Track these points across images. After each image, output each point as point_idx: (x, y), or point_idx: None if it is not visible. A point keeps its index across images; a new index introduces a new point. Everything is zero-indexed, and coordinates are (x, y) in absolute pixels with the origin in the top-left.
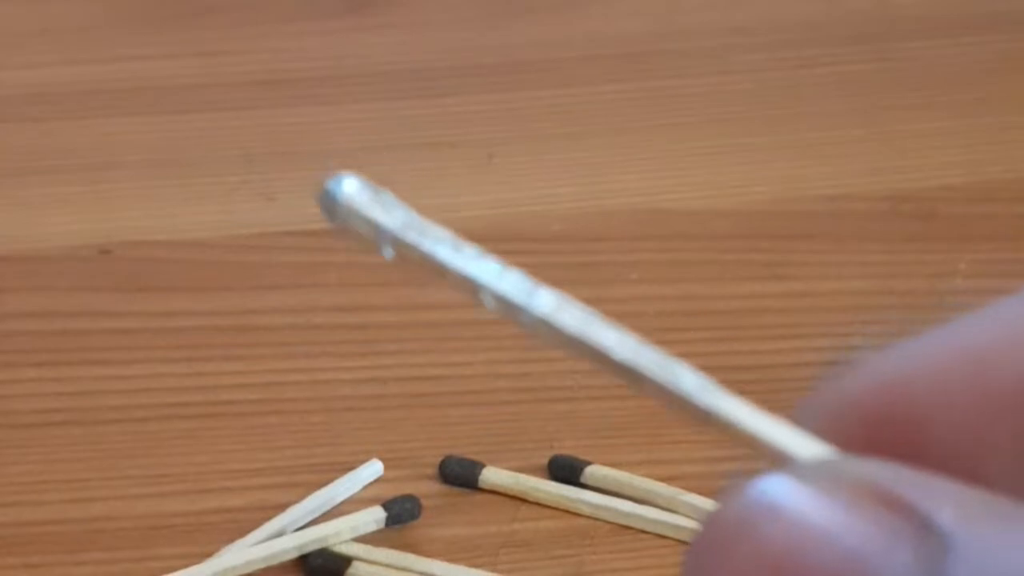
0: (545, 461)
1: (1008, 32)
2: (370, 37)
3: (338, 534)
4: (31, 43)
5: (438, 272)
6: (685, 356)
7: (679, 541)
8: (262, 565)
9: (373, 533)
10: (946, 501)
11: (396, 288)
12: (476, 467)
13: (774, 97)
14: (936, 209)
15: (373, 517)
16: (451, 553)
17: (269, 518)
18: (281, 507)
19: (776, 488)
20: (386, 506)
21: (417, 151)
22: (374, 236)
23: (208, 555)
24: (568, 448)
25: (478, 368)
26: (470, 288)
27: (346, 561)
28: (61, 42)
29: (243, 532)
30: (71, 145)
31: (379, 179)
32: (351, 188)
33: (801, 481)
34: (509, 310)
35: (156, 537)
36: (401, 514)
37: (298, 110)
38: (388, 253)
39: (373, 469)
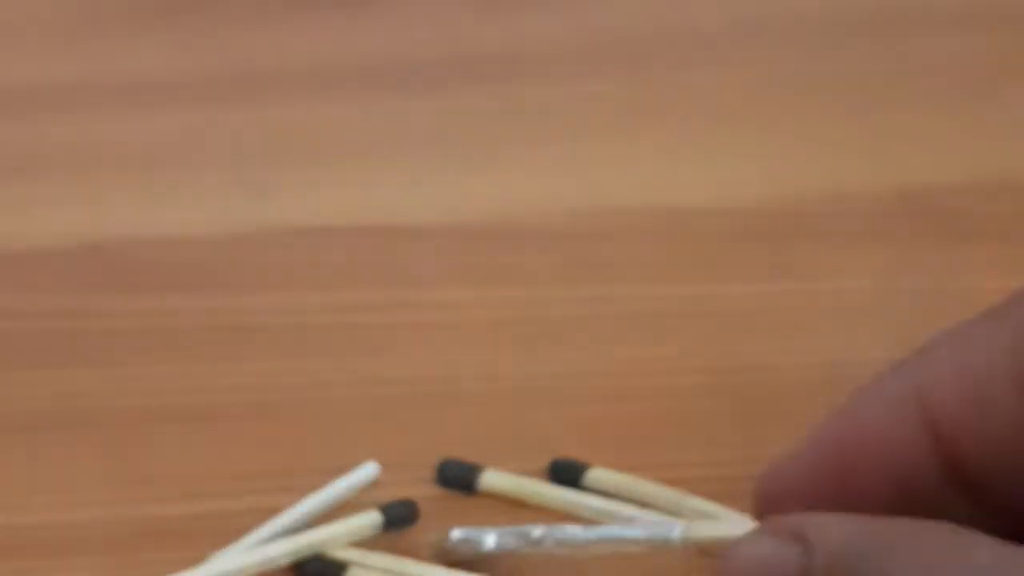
0: (546, 464)
1: (1015, 28)
2: (366, 33)
3: (333, 539)
4: (18, 39)
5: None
6: (685, 356)
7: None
8: (256, 571)
9: (369, 538)
10: (814, 523)
11: (395, 288)
12: (475, 470)
13: (775, 95)
14: (940, 207)
15: (370, 521)
16: None
17: (263, 521)
18: (276, 510)
19: (742, 545)
20: (383, 510)
21: (415, 149)
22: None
23: (201, 559)
24: (569, 451)
25: (478, 369)
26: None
27: (342, 567)
28: (50, 39)
29: (237, 536)
30: (61, 142)
31: (378, 177)
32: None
33: (755, 537)
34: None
35: (148, 541)
36: (398, 518)
37: (293, 106)
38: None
39: (369, 472)
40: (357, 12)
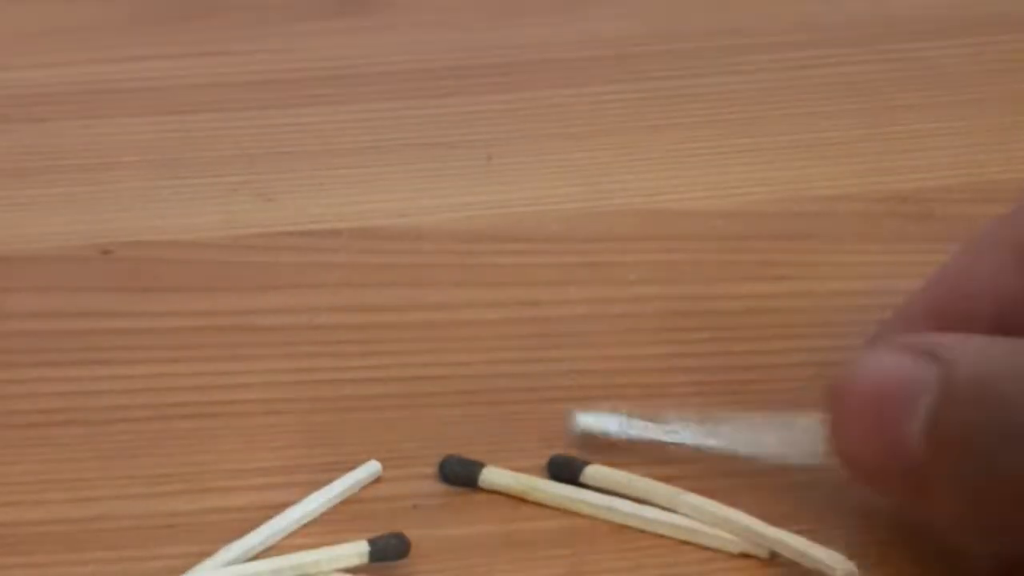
0: (545, 461)
1: (1008, 33)
2: (370, 37)
3: (317, 563)
4: (31, 43)
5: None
6: (685, 356)
7: (679, 541)
8: None
9: (357, 567)
10: (948, 343)
11: (396, 288)
12: (476, 467)
13: (774, 98)
14: (935, 209)
15: (356, 551)
16: (449, 552)
17: (269, 517)
18: (281, 506)
19: (864, 358)
20: (372, 542)
21: (417, 151)
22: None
23: (208, 554)
24: (568, 448)
25: (478, 368)
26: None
27: None
28: (61, 42)
29: (243, 531)
30: (71, 145)
31: (380, 179)
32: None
33: (876, 352)
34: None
35: (156, 536)
36: (386, 550)
37: (298, 110)
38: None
39: (371, 470)
40: (363, 19)
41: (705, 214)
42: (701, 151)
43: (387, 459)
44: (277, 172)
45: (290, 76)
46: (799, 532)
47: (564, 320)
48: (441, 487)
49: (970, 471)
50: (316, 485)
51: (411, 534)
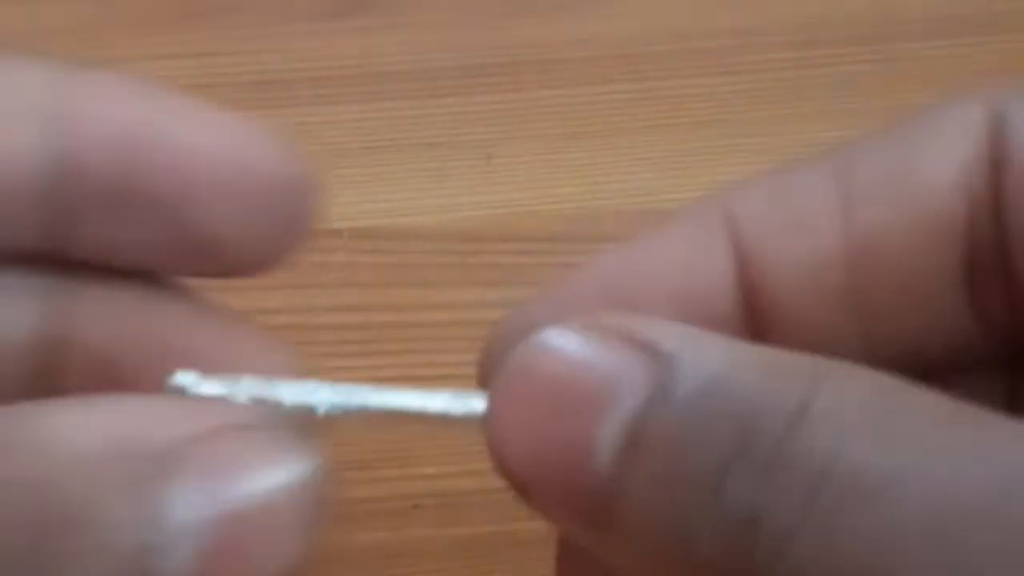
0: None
1: (1008, 33)
2: (370, 37)
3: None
4: (31, 43)
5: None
6: None
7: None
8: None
9: None
10: (670, 333)
11: (396, 288)
12: None
13: (773, 97)
14: None
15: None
16: (450, 552)
17: None
18: None
19: (547, 335)
20: None
21: (417, 151)
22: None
23: None
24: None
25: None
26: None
27: None
28: (61, 42)
29: None
30: None
31: (380, 179)
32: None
33: (565, 330)
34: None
35: None
36: None
37: (298, 110)
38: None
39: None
40: (363, 19)
41: None
42: (701, 151)
43: (387, 459)
44: None
45: (290, 76)
46: None
47: None
48: (439, 486)
49: (680, 504)
50: None
51: (411, 534)
